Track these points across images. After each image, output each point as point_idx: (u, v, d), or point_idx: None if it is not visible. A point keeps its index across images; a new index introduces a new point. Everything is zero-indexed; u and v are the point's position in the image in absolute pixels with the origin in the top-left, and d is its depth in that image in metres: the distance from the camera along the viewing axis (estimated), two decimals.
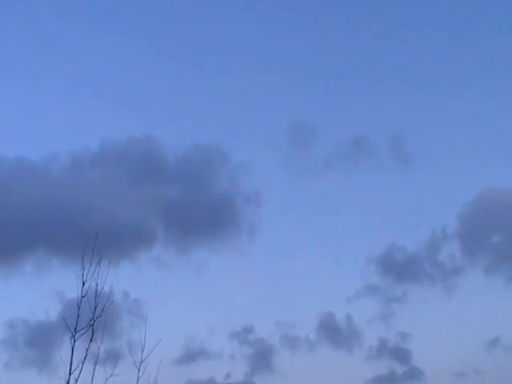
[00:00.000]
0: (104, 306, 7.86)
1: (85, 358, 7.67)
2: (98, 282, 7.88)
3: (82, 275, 7.90)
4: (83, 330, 7.82)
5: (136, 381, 7.86)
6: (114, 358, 8.21)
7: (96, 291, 7.88)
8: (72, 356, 7.66)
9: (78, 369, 7.66)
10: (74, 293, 7.90)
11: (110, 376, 7.85)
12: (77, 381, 7.64)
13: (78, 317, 7.82)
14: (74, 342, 7.76)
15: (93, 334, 7.78)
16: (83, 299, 7.83)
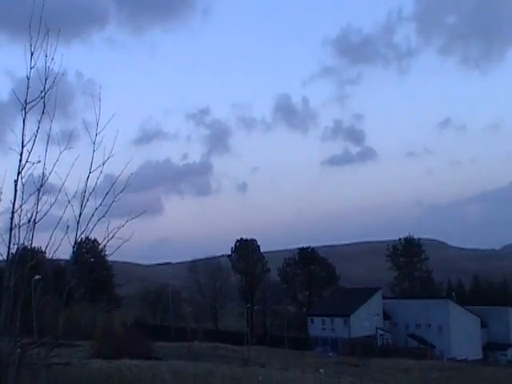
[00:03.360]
0: (55, 78, 7.58)
1: (37, 130, 7.53)
2: (48, 54, 7.53)
3: (30, 45, 7.52)
4: (34, 102, 7.60)
5: (91, 154, 7.77)
6: (68, 136, 8.05)
7: (46, 62, 7.55)
8: (24, 128, 7.50)
9: (31, 141, 7.54)
10: (23, 71, 7.58)
11: (64, 149, 7.77)
12: (30, 152, 7.55)
13: (28, 88, 7.56)
14: (25, 113, 7.56)
15: (44, 106, 7.58)
16: (33, 70, 7.54)
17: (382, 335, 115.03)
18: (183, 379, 34.32)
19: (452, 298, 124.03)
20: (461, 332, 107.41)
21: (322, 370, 57.16)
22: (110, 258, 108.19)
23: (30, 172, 7.71)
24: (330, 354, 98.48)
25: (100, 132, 7.79)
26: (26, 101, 7.60)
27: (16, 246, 7.77)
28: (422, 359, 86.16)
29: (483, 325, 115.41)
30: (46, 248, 8.07)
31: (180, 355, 58.01)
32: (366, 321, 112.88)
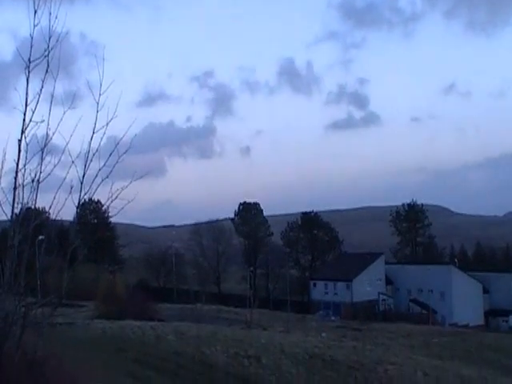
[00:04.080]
0: (59, 37, 7.48)
1: (41, 89, 7.46)
2: (52, 12, 7.42)
3: (34, 3, 7.40)
4: (38, 61, 7.51)
5: (95, 114, 7.71)
6: (71, 97, 7.97)
7: (49, 20, 7.44)
8: (27, 87, 7.44)
9: (35, 101, 7.47)
10: (27, 30, 7.44)
11: (68, 109, 7.71)
12: (34, 112, 7.49)
13: (32, 46, 7.48)
14: (29, 72, 7.49)
15: (48, 65, 7.49)
16: (37, 29, 7.42)
17: (384, 300, 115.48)
18: (186, 340, 34.57)
19: (454, 263, 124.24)
20: (463, 298, 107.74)
21: (324, 334, 57.55)
22: (113, 220, 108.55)
23: (33, 132, 7.66)
24: (333, 318, 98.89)
25: (103, 93, 7.71)
26: (29, 59, 7.51)
27: (20, 206, 7.76)
28: (424, 324, 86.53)
29: (485, 291, 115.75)
30: (50, 208, 8.05)
31: (183, 317, 58.35)
32: (368, 286, 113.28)
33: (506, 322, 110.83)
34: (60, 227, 11.26)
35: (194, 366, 29.85)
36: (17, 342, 6.94)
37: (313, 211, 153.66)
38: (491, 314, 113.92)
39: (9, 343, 6.91)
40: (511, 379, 43.43)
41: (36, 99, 7.51)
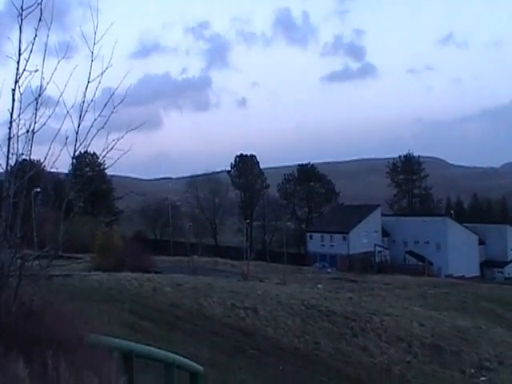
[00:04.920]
0: None
1: (34, 38, 7.34)
2: None
3: None
4: (31, 9, 7.39)
5: (90, 63, 7.60)
6: (65, 47, 7.84)
7: None
8: (20, 36, 7.32)
9: (28, 50, 7.36)
10: None
11: (62, 58, 7.61)
12: (27, 61, 7.39)
13: None
14: (22, 20, 7.37)
15: (41, 14, 7.37)
16: None
17: (380, 252, 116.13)
18: (183, 292, 34.76)
19: (450, 215, 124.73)
20: (459, 249, 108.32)
21: (320, 285, 57.95)
22: (109, 172, 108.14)
23: (27, 82, 7.57)
24: (329, 270, 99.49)
25: (98, 42, 7.59)
26: (21, 7, 7.41)
27: (15, 157, 7.70)
28: (420, 276, 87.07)
29: (481, 242, 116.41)
30: (45, 160, 7.99)
31: (179, 269, 58.68)
32: (364, 237, 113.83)
33: (502, 273, 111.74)
34: (56, 179, 11.20)
35: (190, 318, 30.09)
36: (14, 293, 6.94)
37: (309, 163, 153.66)
38: (487, 265, 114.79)
39: (5, 294, 6.92)
40: (505, 329, 43.89)
41: (29, 49, 7.41)
